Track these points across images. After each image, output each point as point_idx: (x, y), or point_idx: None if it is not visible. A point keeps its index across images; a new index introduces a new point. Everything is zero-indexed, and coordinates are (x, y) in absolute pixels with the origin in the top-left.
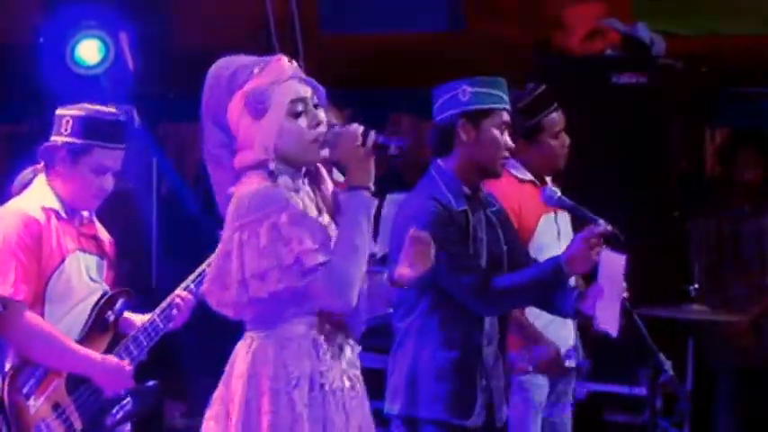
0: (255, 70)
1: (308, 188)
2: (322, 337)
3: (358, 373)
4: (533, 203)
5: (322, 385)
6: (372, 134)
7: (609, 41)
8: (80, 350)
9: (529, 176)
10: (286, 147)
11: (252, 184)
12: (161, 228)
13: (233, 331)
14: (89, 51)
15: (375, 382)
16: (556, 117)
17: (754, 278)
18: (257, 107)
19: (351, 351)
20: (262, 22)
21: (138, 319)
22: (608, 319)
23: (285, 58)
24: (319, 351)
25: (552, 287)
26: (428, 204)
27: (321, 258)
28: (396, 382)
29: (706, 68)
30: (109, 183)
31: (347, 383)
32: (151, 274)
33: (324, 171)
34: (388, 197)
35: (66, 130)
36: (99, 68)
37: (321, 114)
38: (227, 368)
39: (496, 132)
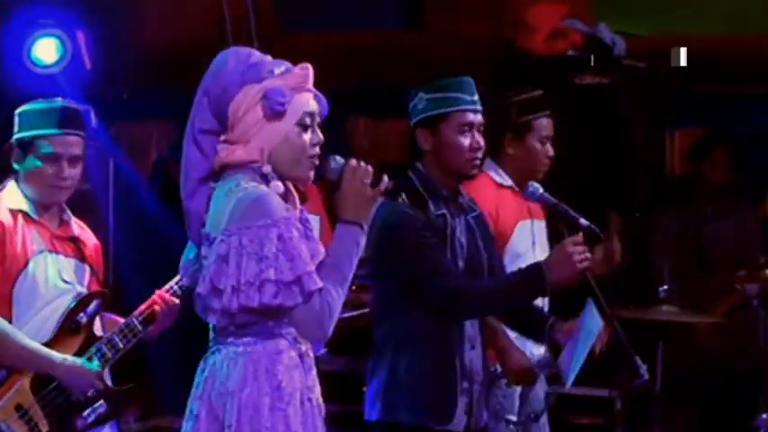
0: (276, 71)
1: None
2: (305, 350)
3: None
4: (511, 209)
5: (310, 399)
6: (385, 179)
7: (571, 42)
8: (41, 351)
9: (509, 182)
10: (282, 156)
11: (250, 188)
12: (118, 227)
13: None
14: (46, 50)
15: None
16: (546, 122)
17: (717, 279)
18: (275, 107)
19: (311, 365)
20: (219, 22)
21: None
22: (568, 364)
23: (311, 69)
24: (305, 365)
25: (531, 293)
26: (399, 208)
27: (320, 284)
28: (376, 388)
29: (668, 69)
30: (66, 170)
31: (320, 399)
32: (108, 273)
33: (295, 193)
34: None
35: (16, 127)
36: (56, 67)
37: (321, 135)
38: (203, 383)
39: (455, 135)
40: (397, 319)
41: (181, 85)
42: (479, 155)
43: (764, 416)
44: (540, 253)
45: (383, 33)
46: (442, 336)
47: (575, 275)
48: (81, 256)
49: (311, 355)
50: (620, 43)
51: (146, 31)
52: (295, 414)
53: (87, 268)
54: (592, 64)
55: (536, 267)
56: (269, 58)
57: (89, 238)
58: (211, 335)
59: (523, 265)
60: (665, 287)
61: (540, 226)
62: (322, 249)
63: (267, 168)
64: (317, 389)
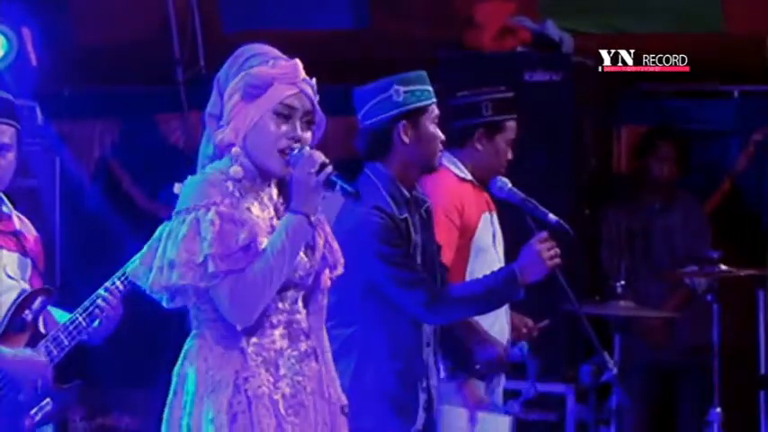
0: (270, 62)
1: (273, 191)
2: (249, 342)
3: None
4: (474, 203)
5: (245, 390)
6: (329, 168)
7: (520, 39)
8: None
9: (469, 176)
10: (254, 143)
11: (207, 171)
12: (64, 225)
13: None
14: None
15: None
16: (514, 126)
17: (664, 275)
18: (249, 90)
19: (296, 359)
20: (163, 20)
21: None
22: None
23: (300, 65)
24: (246, 357)
25: (507, 297)
26: (373, 216)
27: (226, 266)
28: None
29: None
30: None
31: (287, 390)
32: (55, 271)
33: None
34: None
35: None
36: (1, 64)
37: (305, 134)
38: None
39: (432, 127)
40: (361, 324)
41: (124, 83)
42: (443, 148)
43: (717, 410)
44: (500, 246)
45: (327, 33)
46: (409, 337)
47: (546, 273)
48: (23, 250)
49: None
50: (568, 41)
51: (89, 29)
52: (220, 402)
53: (29, 262)
54: (541, 61)
55: (509, 271)
56: (277, 52)
57: (29, 231)
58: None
59: (487, 259)
60: (622, 282)
61: (496, 218)
62: (259, 232)
63: (236, 150)
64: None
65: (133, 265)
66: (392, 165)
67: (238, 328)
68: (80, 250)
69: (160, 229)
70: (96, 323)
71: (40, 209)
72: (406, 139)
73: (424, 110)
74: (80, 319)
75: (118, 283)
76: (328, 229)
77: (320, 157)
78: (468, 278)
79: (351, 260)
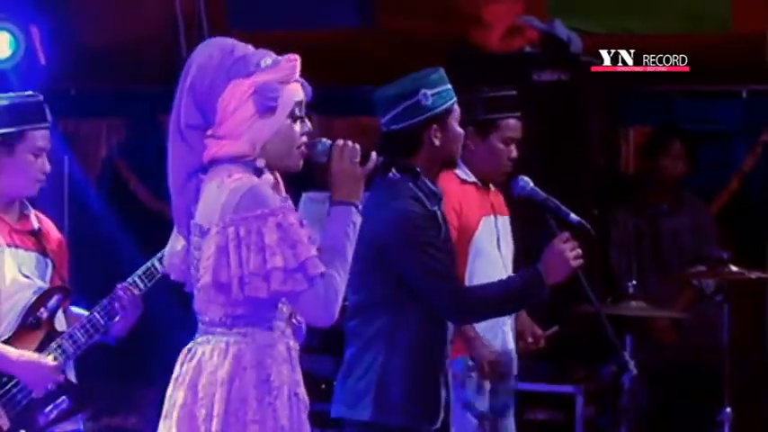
0: (263, 63)
1: (280, 187)
2: (293, 344)
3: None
4: (475, 205)
5: (296, 394)
6: (374, 155)
7: (527, 39)
8: None
9: (472, 178)
10: (275, 148)
11: (244, 179)
12: (71, 224)
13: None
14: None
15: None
16: (513, 124)
17: (673, 276)
18: (266, 103)
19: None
20: (170, 19)
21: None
22: None
23: (298, 59)
24: (293, 359)
25: (532, 297)
26: (411, 206)
27: (323, 268)
28: (361, 388)
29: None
30: (47, 164)
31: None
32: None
33: (281, 181)
34: (304, 196)
35: None
36: (9, 63)
37: (309, 123)
38: (191, 372)
39: (458, 126)
40: (387, 319)
41: (131, 83)
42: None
43: (728, 410)
44: (505, 249)
45: (335, 32)
46: (433, 335)
47: (570, 273)
48: (42, 250)
49: (297, 349)
50: (576, 40)
51: (97, 28)
52: (282, 408)
53: (49, 262)
54: (549, 61)
55: (535, 272)
56: (251, 49)
57: (51, 232)
58: (200, 326)
59: (487, 261)
60: (634, 282)
61: (505, 222)
62: (317, 235)
63: (261, 162)
64: (302, 384)
65: (198, 281)
66: (418, 162)
67: (326, 325)
68: (87, 250)
69: (219, 239)
70: (116, 319)
71: (47, 210)
72: (437, 142)
73: (450, 110)
74: (97, 316)
75: (138, 280)
76: None
77: (356, 145)
78: (467, 280)
79: (383, 253)
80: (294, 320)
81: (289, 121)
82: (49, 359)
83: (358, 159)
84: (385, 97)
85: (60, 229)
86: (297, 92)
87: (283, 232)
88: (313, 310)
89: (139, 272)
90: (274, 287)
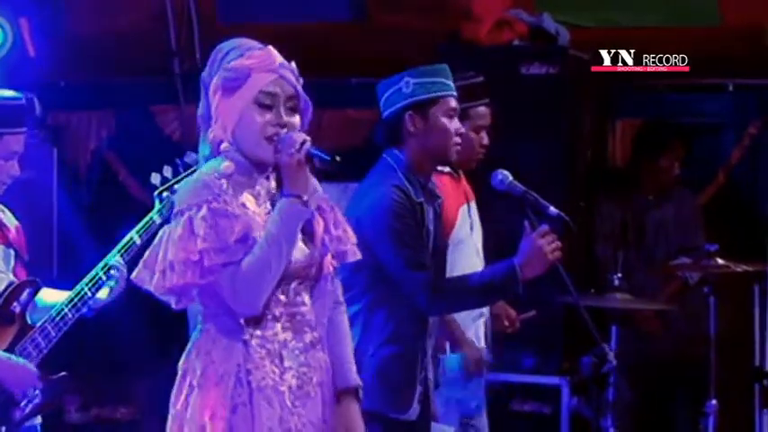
0: (246, 53)
1: (271, 184)
2: (252, 335)
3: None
4: (453, 196)
5: (248, 383)
6: (307, 144)
7: (516, 32)
8: None
9: (446, 168)
10: (242, 134)
11: (199, 170)
12: (60, 216)
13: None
14: None
15: None
16: (483, 111)
17: (658, 267)
18: (228, 84)
19: (300, 350)
20: (159, 11)
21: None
22: None
23: (274, 51)
24: (249, 349)
25: (506, 292)
26: (391, 193)
27: (223, 259)
28: None
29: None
30: (16, 168)
31: (293, 382)
32: (52, 262)
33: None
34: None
35: None
36: None
37: (291, 119)
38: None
39: (445, 119)
40: (364, 305)
41: (120, 74)
42: (459, 141)
43: (713, 402)
44: (477, 234)
45: (325, 25)
46: (410, 325)
47: (547, 267)
48: (5, 242)
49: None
50: (564, 34)
51: (85, 20)
52: (225, 395)
53: (12, 253)
54: (538, 54)
55: (510, 266)
56: (254, 42)
57: (10, 222)
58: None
59: (465, 251)
60: (619, 275)
61: (473, 207)
62: (255, 226)
63: (225, 146)
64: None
65: (136, 270)
66: (407, 153)
67: (241, 320)
68: (76, 241)
69: (160, 232)
70: (106, 290)
71: (37, 202)
72: (413, 129)
73: (434, 101)
74: (86, 289)
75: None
76: (339, 216)
77: (300, 136)
78: (447, 270)
79: (365, 239)
80: (298, 317)
81: (254, 107)
82: (30, 366)
83: (296, 148)
84: (380, 86)
85: (50, 219)
86: (267, 81)
87: (191, 226)
88: (229, 300)
89: (119, 246)
90: (175, 280)
